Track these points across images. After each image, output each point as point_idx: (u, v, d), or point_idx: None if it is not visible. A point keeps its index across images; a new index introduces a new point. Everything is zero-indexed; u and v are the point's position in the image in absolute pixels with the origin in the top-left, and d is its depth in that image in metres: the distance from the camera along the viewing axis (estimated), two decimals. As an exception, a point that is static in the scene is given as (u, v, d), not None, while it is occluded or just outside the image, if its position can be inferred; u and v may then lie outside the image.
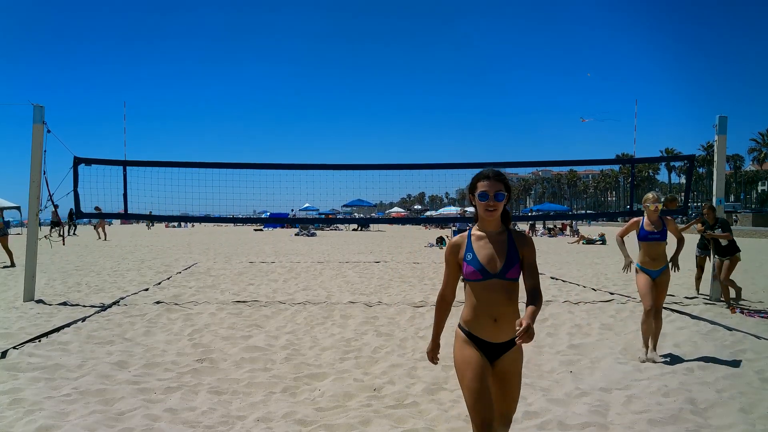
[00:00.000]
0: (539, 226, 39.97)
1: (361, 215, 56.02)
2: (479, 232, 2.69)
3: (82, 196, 9.37)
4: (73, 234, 30.47)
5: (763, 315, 7.75)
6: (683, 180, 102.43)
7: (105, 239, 26.74)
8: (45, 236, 9.37)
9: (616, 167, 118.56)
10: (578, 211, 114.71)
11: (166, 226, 48.38)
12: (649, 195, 5.91)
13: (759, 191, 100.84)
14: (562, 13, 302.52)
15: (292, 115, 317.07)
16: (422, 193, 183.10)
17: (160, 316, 7.49)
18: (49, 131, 8.81)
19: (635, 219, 6.08)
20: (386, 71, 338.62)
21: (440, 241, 24.60)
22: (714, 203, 9.04)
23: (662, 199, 6.22)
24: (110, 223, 54.87)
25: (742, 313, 7.99)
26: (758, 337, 6.33)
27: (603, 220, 65.96)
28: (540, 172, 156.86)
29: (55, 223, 29.22)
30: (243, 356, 5.47)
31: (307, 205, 40.28)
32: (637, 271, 5.90)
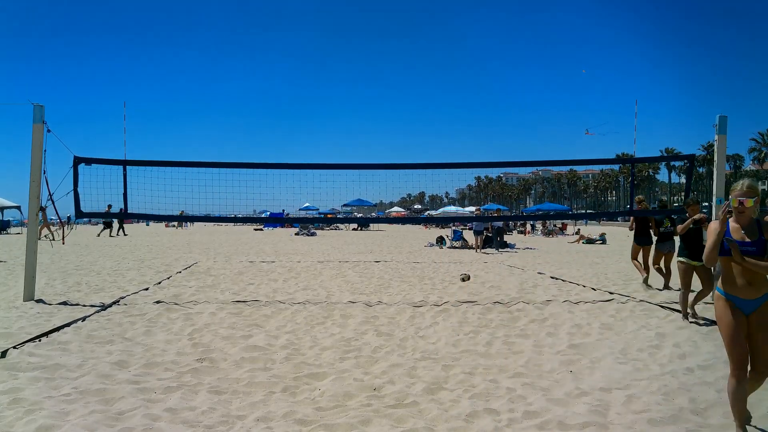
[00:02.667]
0: (539, 225, 39.98)
1: (361, 215, 56.04)
2: None
3: (83, 196, 9.36)
4: (124, 234, 30.56)
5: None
6: (683, 180, 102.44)
7: (53, 239, 21.93)
8: (45, 236, 9.36)
9: (616, 167, 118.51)
10: (578, 211, 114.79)
11: (166, 226, 48.43)
12: (738, 184, 3.79)
13: (759, 191, 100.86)
14: (561, 12, 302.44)
15: (291, 114, 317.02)
16: (422, 192, 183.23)
17: (160, 315, 7.49)
18: (49, 131, 8.80)
19: (713, 224, 3.73)
20: (386, 71, 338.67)
21: (440, 240, 24.56)
22: (714, 203, 9.06)
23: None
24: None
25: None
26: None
27: (604, 220, 65.98)
28: (540, 172, 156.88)
29: (107, 223, 29.60)
30: (243, 356, 5.48)
31: (307, 204, 40.23)
32: (719, 300, 3.76)
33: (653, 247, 10.60)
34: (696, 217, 7.75)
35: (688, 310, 7.50)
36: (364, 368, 5.15)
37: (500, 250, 20.85)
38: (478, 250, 20.58)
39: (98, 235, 29.47)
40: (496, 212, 30.05)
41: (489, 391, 4.49)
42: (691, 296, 7.68)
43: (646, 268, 10.55)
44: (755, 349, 3.55)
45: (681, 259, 7.76)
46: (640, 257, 10.77)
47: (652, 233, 10.57)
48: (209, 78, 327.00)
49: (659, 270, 10.57)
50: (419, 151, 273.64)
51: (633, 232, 10.87)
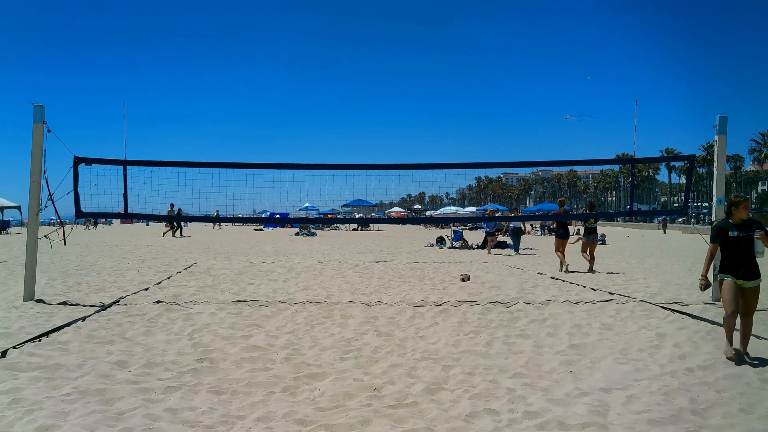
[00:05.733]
0: (537, 225, 40.02)
1: (361, 215, 56.01)
2: None
3: (82, 196, 9.35)
4: (180, 235, 30.62)
5: None
6: (683, 180, 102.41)
7: None
8: (45, 236, 9.36)
9: (616, 167, 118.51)
10: (578, 211, 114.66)
11: (166, 226, 48.36)
12: None
13: (759, 191, 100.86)
14: (561, 13, 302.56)
15: (292, 115, 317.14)
16: (422, 193, 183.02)
17: (160, 315, 7.49)
18: (49, 131, 8.80)
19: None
20: (386, 72, 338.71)
21: (440, 240, 24.57)
22: (714, 203, 9.07)
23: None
24: (110, 223, 55.07)
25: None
26: (758, 337, 6.32)
27: (603, 220, 66.07)
28: (540, 172, 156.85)
29: (173, 225, 29.98)
30: (243, 356, 5.47)
31: (307, 205, 40.29)
32: None
33: (580, 240, 14.25)
34: None
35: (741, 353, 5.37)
36: (364, 368, 5.15)
37: (519, 252, 19.34)
38: (489, 251, 19.77)
39: (163, 234, 30.25)
40: (490, 212, 29.62)
41: (489, 392, 4.49)
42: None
43: (563, 257, 13.69)
44: None
45: (727, 277, 5.46)
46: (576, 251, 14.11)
47: (569, 228, 14.35)
48: (208, 81, 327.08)
49: (586, 257, 13.72)
50: (419, 152, 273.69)
51: (556, 229, 14.43)
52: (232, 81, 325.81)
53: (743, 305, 5.40)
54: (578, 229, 36.53)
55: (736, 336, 5.47)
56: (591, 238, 13.75)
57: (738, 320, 5.44)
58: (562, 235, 14.06)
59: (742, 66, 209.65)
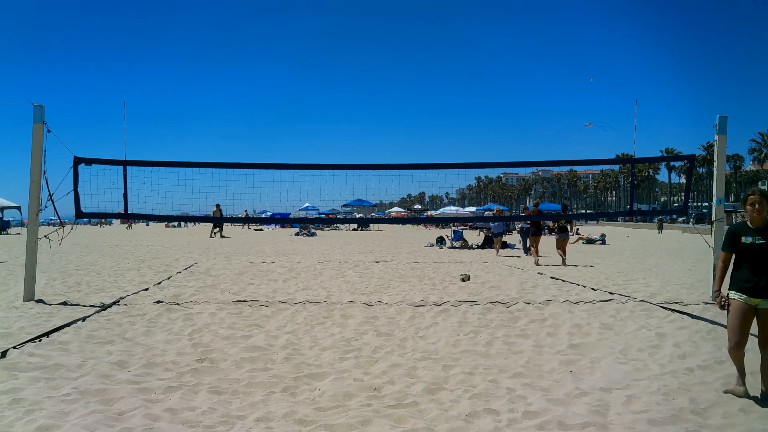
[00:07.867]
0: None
1: (361, 215, 55.99)
2: None
3: (83, 196, 9.35)
4: (222, 236, 30.56)
5: None
6: (683, 180, 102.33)
7: None
8: (45, 236, 9.36)
9: (616, 167, 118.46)
10: (578, 211, 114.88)
11: (166, 226, 48.46)
12: None
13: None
14: (562, 14, 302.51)
15: (292, 116, 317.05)
16: (422, 193, 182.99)
17: (160, 315, 7.49)
18: (49, 131, 8.80)
19: None
20: (386, 72, 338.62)
21: (440, 240, 24.56)
22: (714, 203, 9.07)
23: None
24: (111, 223, 55.18)
25: None
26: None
27: (603, 220, 66.13)
28: (540, 172, 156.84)
29: (216, 225, 30.05)
30: (243, 356, 5.47)
31: (307, 205, 40.34)
32: None
33: (554, 237, 16.25)
34: None
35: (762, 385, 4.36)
36: (364, 368, 5.15)
37: (528, 254, 18.55)
38: (498, 253, 19.34)
39: (211, 235, 30.49)
40: (497, 212, 29.42)
41: (489, 391, 4.49)
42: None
43: (536, 252, 15.85)
44: None
45: (734, 294, 4.39)
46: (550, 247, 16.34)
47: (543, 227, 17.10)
48: (209, 81, 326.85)
49: (560, 253, 15.33)
50: (419, 152, 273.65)
51: (530, 227, 16.73)
52: (232, 81, 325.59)
53: (761, 333, 4.33)
54: (577, 229, 36.56)
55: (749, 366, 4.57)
56: (562, 236, 15.57)
57: (745, 350, 4.40)
58: (535, 233, 16.29)
59: (742, 66, 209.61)
